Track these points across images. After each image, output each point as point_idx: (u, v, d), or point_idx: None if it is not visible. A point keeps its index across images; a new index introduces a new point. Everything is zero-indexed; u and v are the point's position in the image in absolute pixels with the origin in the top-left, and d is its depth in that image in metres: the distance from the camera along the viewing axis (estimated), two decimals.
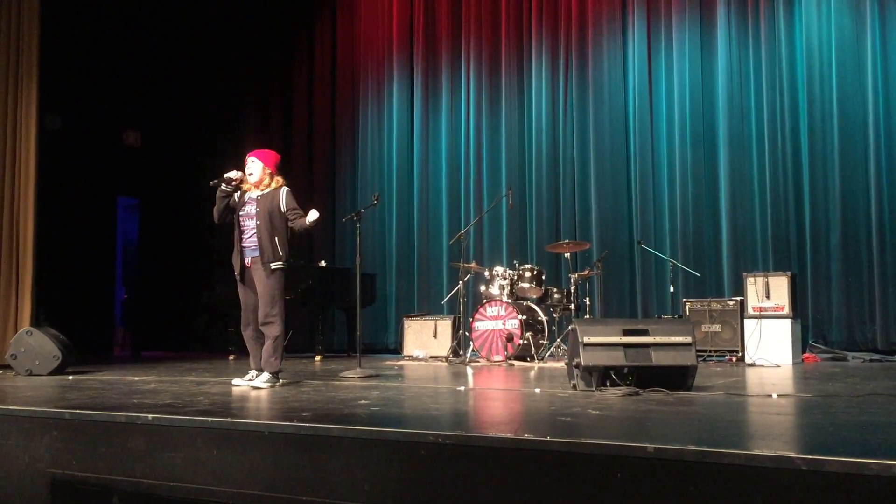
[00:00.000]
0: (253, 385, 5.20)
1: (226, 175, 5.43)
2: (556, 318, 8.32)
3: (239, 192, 5.51)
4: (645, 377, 4.49)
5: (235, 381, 5.39)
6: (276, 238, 5.33)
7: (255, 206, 5.39)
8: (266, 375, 5.25)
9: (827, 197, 8.33)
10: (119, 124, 11.41)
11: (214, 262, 11.52)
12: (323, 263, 9.46)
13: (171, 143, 11.80)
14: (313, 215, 5.34)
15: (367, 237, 10.62)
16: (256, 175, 5.44)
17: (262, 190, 5.44)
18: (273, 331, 5.25)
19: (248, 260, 5.39)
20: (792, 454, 2.37)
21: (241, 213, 5.45)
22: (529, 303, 8.30)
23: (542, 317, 8.11)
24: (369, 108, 11.37)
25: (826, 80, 8.42)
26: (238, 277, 5.44)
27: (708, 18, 9.13)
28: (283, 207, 5.38)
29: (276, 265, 5.30)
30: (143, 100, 11.48)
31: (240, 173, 5.46)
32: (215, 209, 5.47)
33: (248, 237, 5.40)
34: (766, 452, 2.40)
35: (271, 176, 5.47)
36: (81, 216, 10.47)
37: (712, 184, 8.96)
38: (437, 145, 10.79)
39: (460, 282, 8.38)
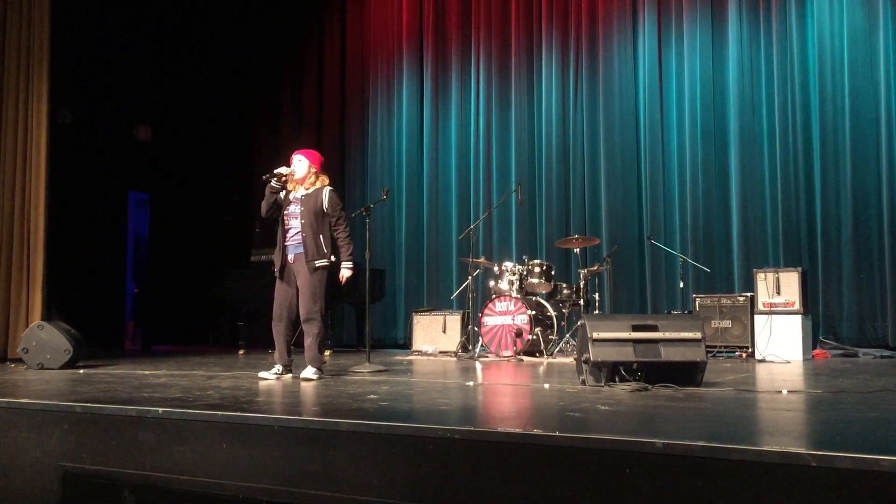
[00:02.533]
0: (303, 377, 5.32)
1: (276, 171, 5.56)
2: (566, 314, 8.31)
3: (285, 191, 5.60)
4: (654, 373, 4.48)
5: (262, 374, 5.49)
6: (321, 237, 5.48)
7: (299, 206, 5.54)
8: (312, 368, 5.39)
9: (838, 192, 8.28)
10: (130, 119, 11.43)
11: (225, 256, 11.56)
12: (332, 259, 9.47)
13: (181, 138, 11.83)
14: (347, 272, 5.64)
15: (376, 232, 10.63)
16: (301, 172, 5.59)
17: (307, 189, 5.58)
18: (314, 328, 5.40)
19: (291, 256, 5.53)
20: (802, 450, 2.37)
21: (286, 212, 5.59)
22: (539, 298, 8.30)
23: (552, 312, 8.10)
24: (379, 102, 11.37)
25: (838, 76, 8.36)
26: (277, 274, 5.57)
27: (719, 13, 9.08)
28: (325, 207, 5.52)
29: (320, 263, 5.44)
30: (153, 94, 11.51)
31: (289, 169, 5.58)
32: (264, 203, 5.62)
33: (293, 235, 5.54)
34: (775, 448, 2.40)
35: (316, 175, 5.61)
36: (92, 211, 10.50)
37: (723, 179, 8.93)
38: (447, 140, 10.78)
39: (469, 277, 8.38)
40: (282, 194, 5.61)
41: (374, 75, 11.44)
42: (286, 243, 5.55)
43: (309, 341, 5.42)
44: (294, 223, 5.53)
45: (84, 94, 10.42)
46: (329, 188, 5.61)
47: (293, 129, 11.92)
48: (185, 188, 11.88)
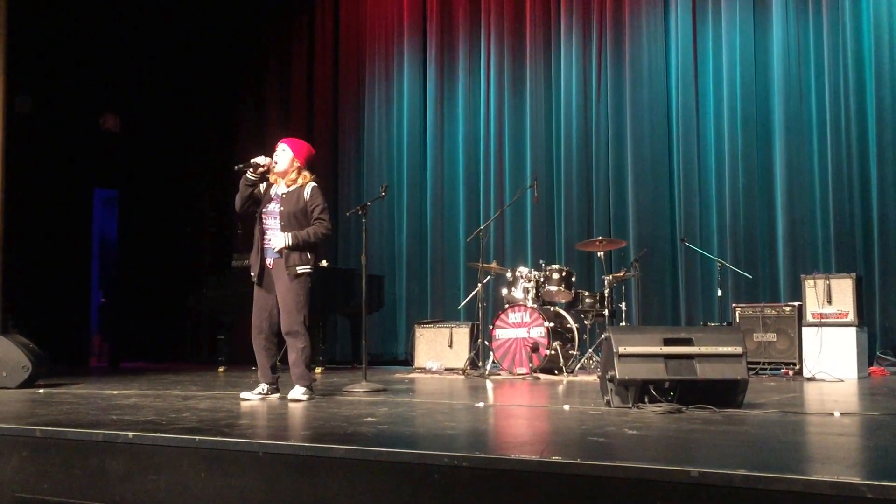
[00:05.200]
0: (291, 398, 5.30)
1: (252, 160, 5.50)
2: (588, 326, 8.31)
3: (265, 184, 5.58)
4: (689, 392, 4.48)
5: (244, 394, 5.48)
6: None
7: (278, 205, 5.48)
8: (300, 388, 5.37)
9: None
10: (96, 107, 11.48)
11: (203, 262, 11.58)
12: (324, 263, 9.47)
13: (153, 128, 11.86)
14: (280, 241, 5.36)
15: (373, 234, 10.64)
16: (282, 165, 5.51)
17: (288, 186, 5.51)
18: (299, 342, 5.37)
19: (269, 261, 5.49)
20: (856, 480, 2.36)
21: (264, 210, 5.53)
22: (557, 308, 8.29)
23: (572, 324, 8.10)
24: (376, 88, 11.39)
25: None
26: (255, 279, 5.54)
27: None
28: (307, 204, 5.43)
29: (302, 269, 5.38)
30: (122, 79, 11.54)
31: (268, 160, 5.53)
32: (238, 197, 5.56)
33: (271, 238, 5.48)
34: (826, 478, 2.39)
35: (299, 170, 5.53)
36: (53, 210, 10.54)
37: (766, 174, 8.92)
38: (454, 130, 10.79)
39: (479, 284, 8.38)
40: (262, 187, 5.57)
41: (372, 56, 11.45)
42: (265, 245, 5.53)
43: (293, 357, 5.40)
44: (272, 224, 5.48)
45: (45, 78, 10.46)
46: (313, 184, 5.51)
47: (280, 118, 11.94)
48: (158, 185, 11.91)
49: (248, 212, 5.60)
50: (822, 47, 8.70)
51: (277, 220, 5.45)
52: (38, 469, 3.66)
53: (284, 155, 5.53)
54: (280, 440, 3.35)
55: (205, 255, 11.88)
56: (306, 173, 5.55)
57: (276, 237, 5.38)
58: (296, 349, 5.38)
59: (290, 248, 5.35)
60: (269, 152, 5.63)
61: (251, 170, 5.47)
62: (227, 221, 11.61)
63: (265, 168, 5.50)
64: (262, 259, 5.51)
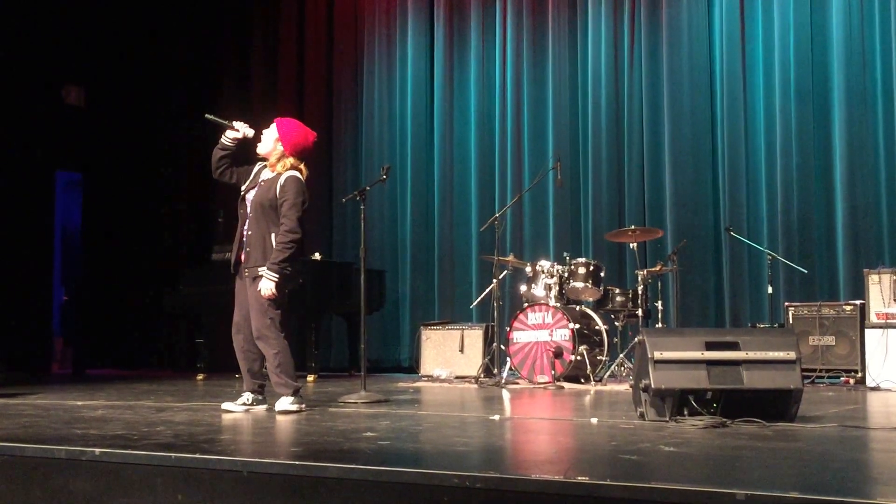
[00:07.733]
0: (279, 410, 5.30)
1: (234, 122, 5.55)
2: (619, 328, 8.31)
3: (259, 165, 5.60)
4: (734, 404, 4.48)
5: (226, 405, 5.50)
6: (272, 236, 5.39)
7: (254, 193, 5.49)
8: (287, 398, 5.35)
9: None
10: (58, 78, 11.48)
11: (178, 254, 11.59)
12: (317, 256, 9.51)
13: (122, 102, 11.86)
14: (265, 283, 5.28)
15: (373, 223, 10.63)
16: (264, 146, 5.53)
17: (271, 171, 5.51)
18: (270, 347, 5.35)
19: (243, 254, 5.53)
20: None
21: (247, 198, 5.56)
22: (584, 307, 8.29)
23: (601, 325, 8.10)
24: (376, 55, 11.37)
25: None
26: (233, 269, 5.59)
27: None
28: (277, 195, 5.39)
29: (264, 271, 5.36)
30: (87, 48, 11.54)
31: (250, 130, 5.56)
32: (212, 160, 5.62)
33: (246, 229, 5.52)
34: (893, 502, 2.39)
35: (281, 156, 5.48)
36: (9, 196, 10.55)
37: (824, 153, 8.88)
38: (465, 104, 10.77)
39: (494, 280, 8.38)
40: (256, 168, 5.59)
41: (371, 18, 11.42)
42: (244, 238, 5.56)
43: (269, 365, 5.40)
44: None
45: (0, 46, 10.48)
46: (291, 173, 5.43)
47: (267, 91, 11.93)
48: (128, 166, 11.90)
49: (225, 179, 5.62)
50: (889, 6, 8.65)
51: (249, 211, 5.48)
52: None
53: (269, 135, 5.54)
54: (267, 458, 3.36)
55: (181, 246, 11.88)
56: (289, 161, 5.47)
57: (263, 281, 5.29)
58: (269, 356, 5.37)
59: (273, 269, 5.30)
60: (255, 133, 5.63)
61: (227, 127, 5.53)
62: (206, 208, 11.61)
63: (242, 137, 5.54)
64: (240, 248, 5.53)
